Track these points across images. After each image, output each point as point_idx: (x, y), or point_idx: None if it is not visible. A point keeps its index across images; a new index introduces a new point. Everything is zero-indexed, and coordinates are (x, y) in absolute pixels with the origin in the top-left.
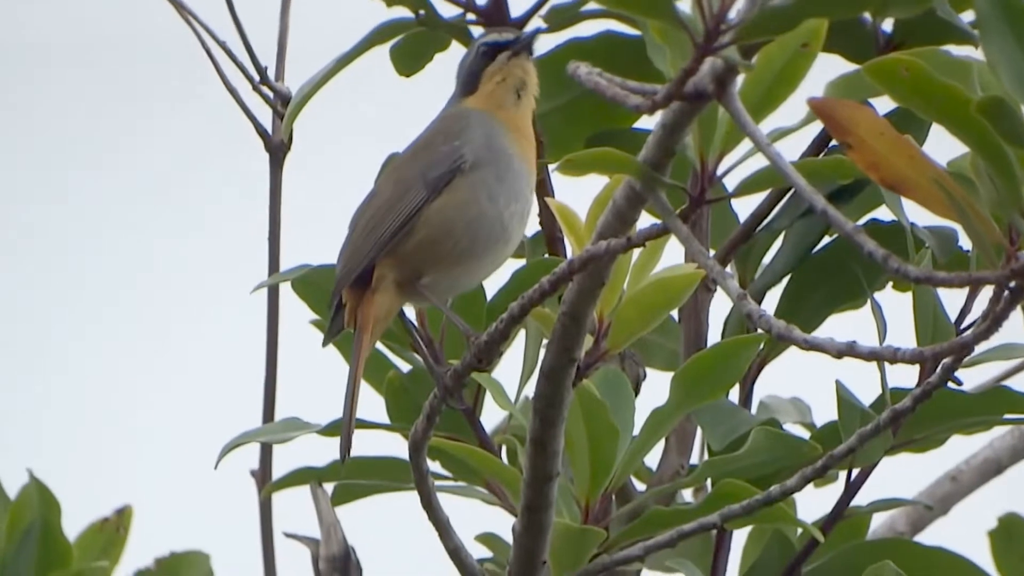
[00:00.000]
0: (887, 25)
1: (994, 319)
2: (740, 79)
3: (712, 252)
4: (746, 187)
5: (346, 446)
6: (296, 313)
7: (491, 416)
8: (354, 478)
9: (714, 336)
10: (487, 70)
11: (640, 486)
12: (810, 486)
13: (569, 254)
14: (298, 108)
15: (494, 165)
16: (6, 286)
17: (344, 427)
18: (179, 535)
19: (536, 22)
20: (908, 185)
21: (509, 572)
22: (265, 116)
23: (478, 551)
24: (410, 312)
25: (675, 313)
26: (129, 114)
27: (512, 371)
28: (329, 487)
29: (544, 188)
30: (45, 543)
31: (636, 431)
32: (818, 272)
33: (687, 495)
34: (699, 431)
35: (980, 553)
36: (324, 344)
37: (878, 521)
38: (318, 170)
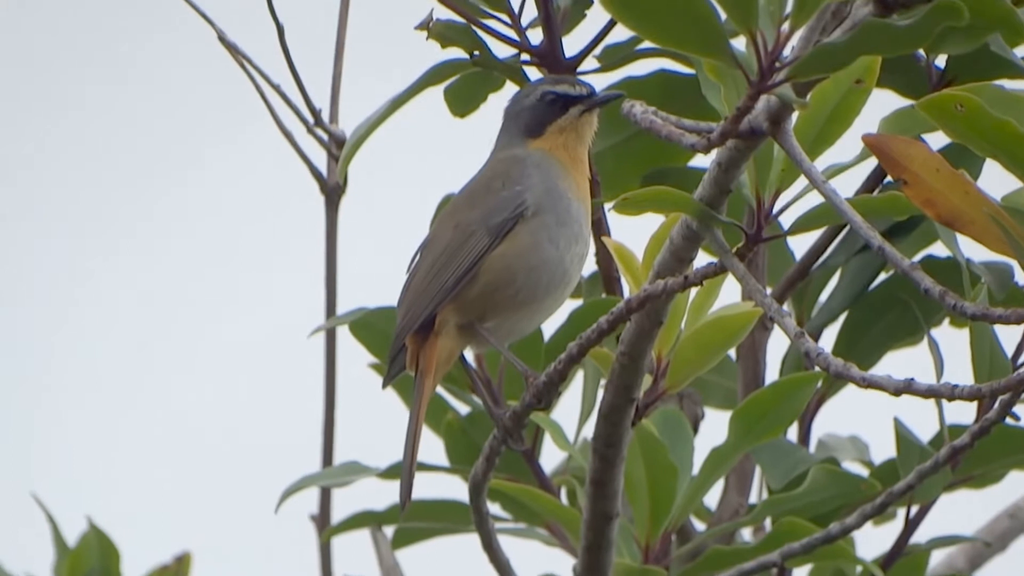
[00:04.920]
0: (940, 60)
1: None
2: (795, 116)
3: (769, 290)
4: (802, 224)
5: (407, 490)
6: (354, 355)
7: (550, 457)
8: (414, 521)
9: (772, 374)
10: (557, 121)
11: (700, 525)
12: (869, 524)
13: (626, 293)
14: (353, 150)
15: (554, 209)
16: (60, 330)
17: (405, 471)
18: None
19: (591, 61)
20: (963, 221)
21: None
22: (320, 158)
23: None
24: (468, 354)
25: (732, 352)
26: (183, 158)
27: (571, 411)
28: (389, 530)
29: (600, 227)
30: None
31: (695, 470)
32: (875, 309)
33: (747, 534)
34: (758, 470)
35: None
36: (384, 386)
37: (937, 558)
38: (373, 212)
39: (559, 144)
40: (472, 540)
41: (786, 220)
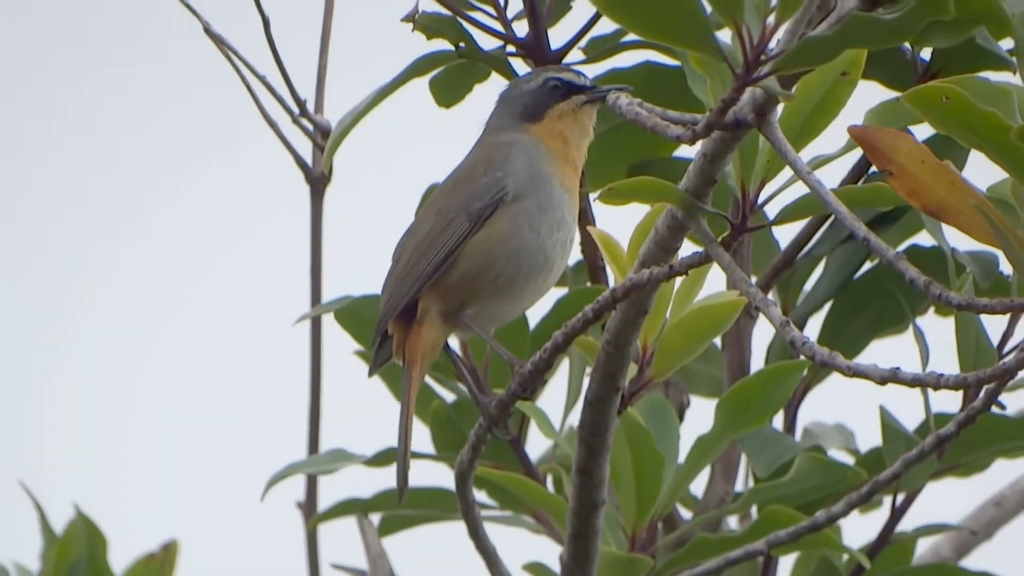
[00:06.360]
0: (926, 53)
1: None
2: (780, 108)
3: (754, 279)
4: (787, 215)
5: (403, 482)
6: (339, 343)
7: (536, 445)
8: (400, 509)
9: (757, 363)
10: (559, 106)
11: (686, 514)
12: (855, 512)
13: (612, 283)
14: (339, 140)
15: (535, 195)
16: (43, 319)
17: (399, 464)
18: (226, 568)
19: (576, 53)
20: (949, 211)
21: None
22: (305, 148)
23: None
24: (454, 342)
25: (718, 341)
26: (169, 148)
27: (557, 400)
28: (375, 518)
29: (586, 217)
30: None
31: (681, 459)
32: (860, 298)
33: (733, 522)
34: (744, 458)
35: None
36: (370, 375)
37: (923, 547)
38: (358, 201)
39: (556, 131)
40: (458, 528)
41: (771, 210)
